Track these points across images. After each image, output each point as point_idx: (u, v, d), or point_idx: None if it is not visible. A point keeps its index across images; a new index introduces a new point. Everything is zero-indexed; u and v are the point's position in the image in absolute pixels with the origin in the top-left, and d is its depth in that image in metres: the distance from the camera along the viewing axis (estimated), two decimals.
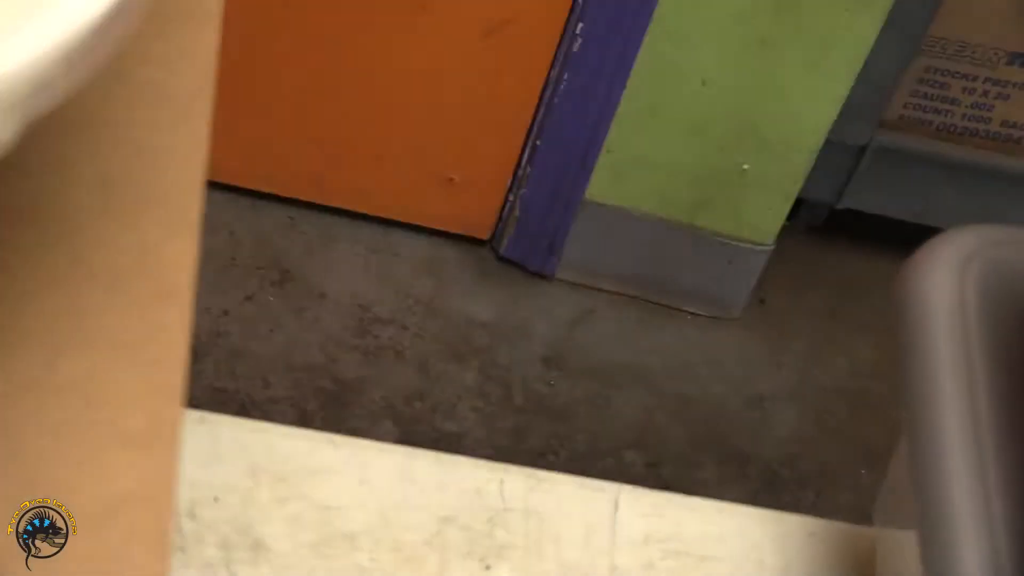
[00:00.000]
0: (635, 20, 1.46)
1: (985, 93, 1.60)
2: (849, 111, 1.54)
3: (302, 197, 1.64)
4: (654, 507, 0.68)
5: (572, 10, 1.48)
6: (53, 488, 0.38)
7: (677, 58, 1.49)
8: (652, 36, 1.47)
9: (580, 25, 1.48)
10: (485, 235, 1.67)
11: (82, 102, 0.46)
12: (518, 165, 1.61)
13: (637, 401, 1.60)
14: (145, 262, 0.43)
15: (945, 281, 0.58)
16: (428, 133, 1.59)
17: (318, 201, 1.64)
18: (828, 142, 1.56)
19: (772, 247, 1.63)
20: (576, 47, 1.49)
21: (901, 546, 0.63)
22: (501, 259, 1.67)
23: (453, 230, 1.66)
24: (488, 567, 0.64)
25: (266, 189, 1.63)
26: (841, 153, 1.62)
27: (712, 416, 1.60)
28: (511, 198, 1.63)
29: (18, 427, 0.39)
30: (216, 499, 0.63)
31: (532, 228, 1.64)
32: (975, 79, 1.59)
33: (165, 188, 0.45)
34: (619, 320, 1.66)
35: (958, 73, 1.59)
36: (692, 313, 1.68)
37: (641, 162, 1.57)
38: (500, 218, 1.65)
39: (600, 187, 1.60)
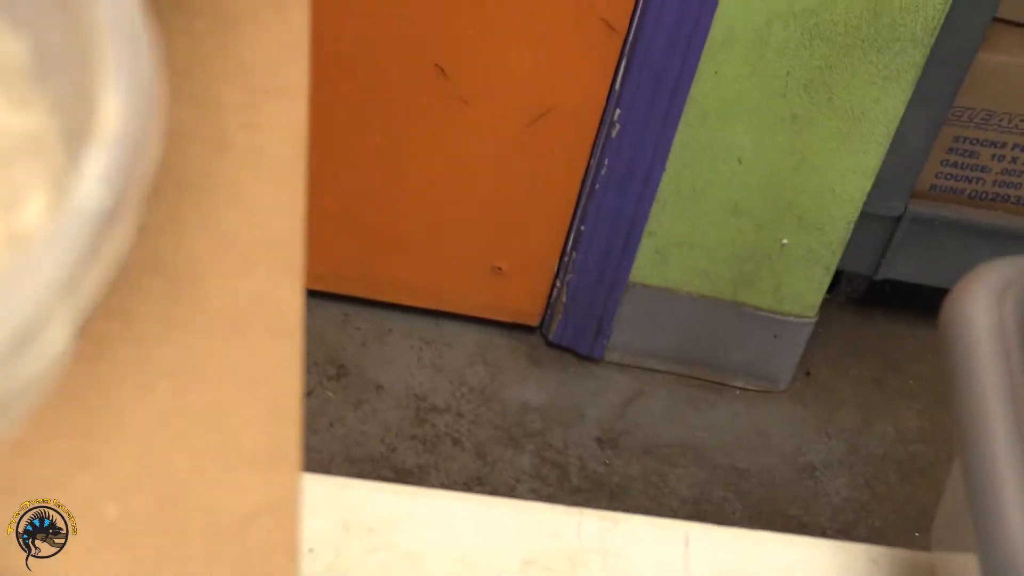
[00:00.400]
0: (671, 104, 1.51)
1: (1014, 160, 1.64)
2: (882, 183, 1.58)
3: (355, 293, 1.69)
4: (723, 542, 0.71)
5: (609, 97, 1.53)
6: (193, 503, 0.43)
7: (713, 139, 1.54)
8: (688, 119, 1.52)
9: (617, 112, 1.53)
10: (534, 321, 1.71)
11: (193, 168, 0.51)
12: (563, 251, 1.66)
13: (692, 477, 1.63)
14: (259, 306, 0.48)
15: (985, 307, 0.62)
16: (475, 224, 1.64)
17: (370, 296, 1.69)
18: (864, 214, 1.60)
19: (815, 319, 1.66)
20: (615, 133, 1.55)
21: (961, 569, 0.66)
22: (551, 344, 1.71)
23: (503, 318, 1.71)
24: None
25: (319, 287, 1.68)
26: (877, 225, 1.66)
27: (766, 488, 1.64)
28: (558, 284, 1.68)
29: (158, 451, 0.44)
30: (311, 551, 0.67)
31: (580, 313, 1.68)
32: (1003, 146, 1.64)
33: (271, 241, 0.49)
34: (669, 398, 1.70)
35: (986, 141, 1.63)
36: (740, 388, 1.72)
37: (683, 242, 1.62)
38: (548, 304, 1.70)
39: (644, 269, 1.64)
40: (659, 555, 0.70)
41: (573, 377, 1.70)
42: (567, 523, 0.71)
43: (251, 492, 0.44)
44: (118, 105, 0.33)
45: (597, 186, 1.59)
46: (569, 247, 1.65)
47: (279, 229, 0.50)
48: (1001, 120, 1.61)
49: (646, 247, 1.62)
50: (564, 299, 1.67)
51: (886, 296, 1.79)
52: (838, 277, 1.71)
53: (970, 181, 1.67)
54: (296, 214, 0.51)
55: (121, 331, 0.46)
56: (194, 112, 0.52)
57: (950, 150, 1.64)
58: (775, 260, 1.62)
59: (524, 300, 1.70)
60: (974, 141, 1.63)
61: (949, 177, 1.67)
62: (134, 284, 0.47)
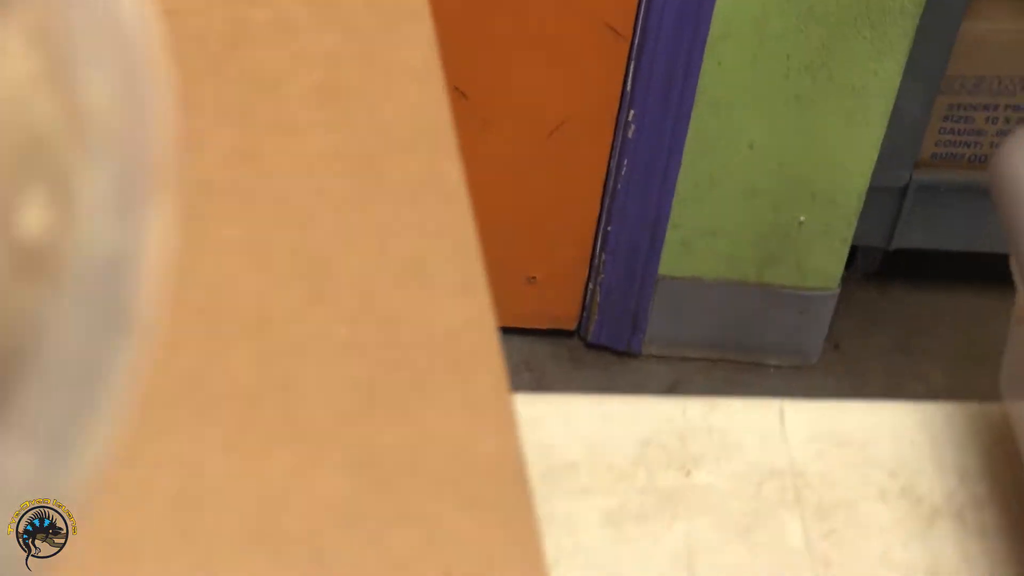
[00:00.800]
0: (681, 99, 1.60)
1: (1007, 120, 1.74)
2: (886, 156, 1.67)
3: None
4: (813, 412, 0.79)
5: (622, 100, 1.62)
6: (408, 323, 0.51)
7: (724, 128, 1.63)
8: (698, 111, 1.61)
9: (631, 112, 1.62)
10: (571, 325, 1.79)
11: (350, 79, 0.60)
12: (593, 254, 1.74)
13: None
14: (429, 177, 0.56)
15: None
16: (506, 238, 1.72)
17: None
18: (872, 188, 1.68)
19: (837, 291, 1.75)
20: (631, 134, 1.63)
21: None
22: (589, 345, 1.79)
23: (541, 326, 1.79)
24: (688, 473, 0.76)
25: None
26: (885, 197, 1.75)
27: None
28: (591, 286, 1.76)
29: (374, 286, 0.52)
30: None
31: (614, 311, 1.76)
32: (996, 108, 1.73)
33: (427, 129, 0.58)
34: (707, 383, 1.78)
35: (979, 105, 1.72)
36: (774, 366, 1.80)
37: (705, 231, 1.70)
38: (583, 307, 1.78)
39: (671, 262, 1.72)
40: (758, 427, 0.78)
41: (615, 373, 1.78)
42: (674, 409, 0.79)
43: (453, 312, 0.52)
44: (105, 101, 0.28)
45: (619, 186, 1.67)
46: (598, 249, 1.73)
47: (432, 120, 0.59)
48: (991, 84, 1.70)
49: (671, 240, 1.71)
50: (598, 300, 1.76)
51: (901, 267, 1.88)
52: (853, 253, 1.79)
53: (968, 146, 1.75)
54: (443, 108, 0.59)
55: (319, 203, 0.54)
56: (343, 37, 0.61)
57: (946, 118, 1.73)
58: (795, 238, 1.70)
59: (560, 305, 1.78)
60: (968, 107, 1.73)
61: (948, 144, 1.75)
62: (323, 165, 0.56)
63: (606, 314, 1.77)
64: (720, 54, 1.58)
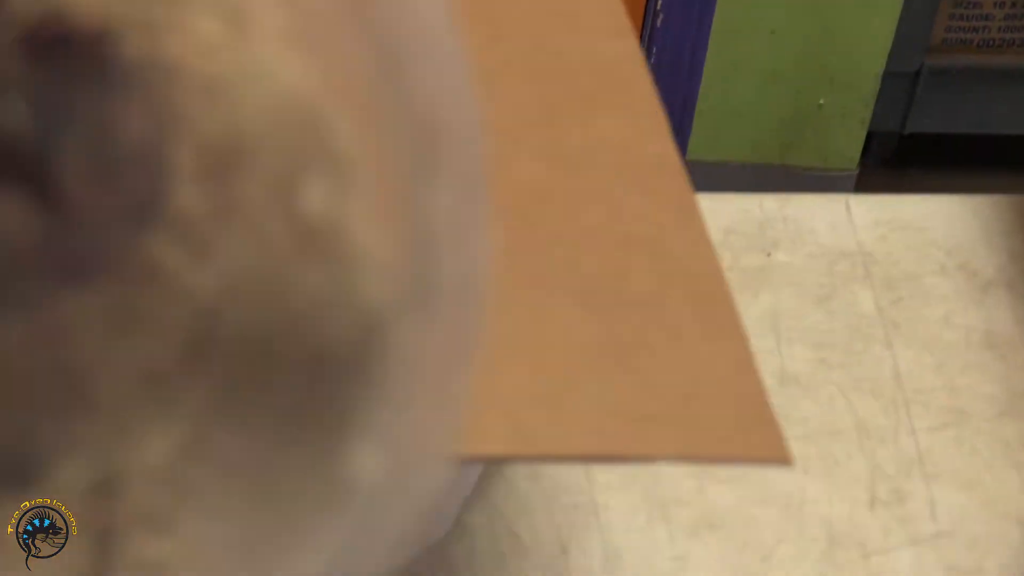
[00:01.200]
0: None
1: (1014, 4, 1.83)
2: (899, 41, 1.76)
3: None
4: (875, 204, 0.89)
5: None
6: (574, 56, 0.60)
7: (747, 14, 1.72)
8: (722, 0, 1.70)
9: (659, 1, 1.71)
10: None
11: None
12: None
13: None
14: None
15: None
16: None
17: None
18: (886, 74, 1.77)
19: (857, 171, 1.84)
20: (659, 22, 1.72)
21: None
22: None
23: None
24: (768, 254, 0.85)
25: None
26: (898, 83, 1.84)
27: None
28: None
29: (540, 31, 0.61)
30: None
31: None
32: None
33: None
34: None
35: None
36: None
37: (730, 116, 1.79)
38: None
39: (699, 146, 1.81)
40: (827, 215, 0.88)
41: None
42: (750, 203, 0.89)
43: (611, 49, 0.61)
44: (436, 107, 0.27)
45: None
46: None
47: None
48: None
49: (698, 125, 1.80)
50: None
51: (915, 152, 1.97)
52: (869, 140, 1.88)
53: (977, 31, 1.85)
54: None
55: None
56: None
57: (955, 4, 1.82)
58: (815, 120, 1.80)
59: None
60: None
61: (958, 30, 1.84)
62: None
63: None
64: None
